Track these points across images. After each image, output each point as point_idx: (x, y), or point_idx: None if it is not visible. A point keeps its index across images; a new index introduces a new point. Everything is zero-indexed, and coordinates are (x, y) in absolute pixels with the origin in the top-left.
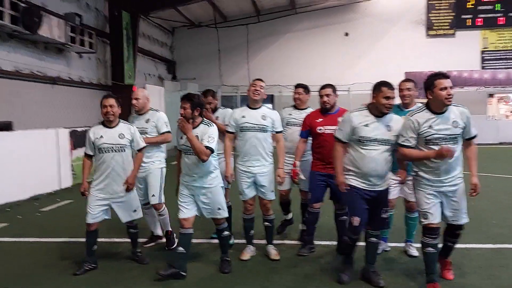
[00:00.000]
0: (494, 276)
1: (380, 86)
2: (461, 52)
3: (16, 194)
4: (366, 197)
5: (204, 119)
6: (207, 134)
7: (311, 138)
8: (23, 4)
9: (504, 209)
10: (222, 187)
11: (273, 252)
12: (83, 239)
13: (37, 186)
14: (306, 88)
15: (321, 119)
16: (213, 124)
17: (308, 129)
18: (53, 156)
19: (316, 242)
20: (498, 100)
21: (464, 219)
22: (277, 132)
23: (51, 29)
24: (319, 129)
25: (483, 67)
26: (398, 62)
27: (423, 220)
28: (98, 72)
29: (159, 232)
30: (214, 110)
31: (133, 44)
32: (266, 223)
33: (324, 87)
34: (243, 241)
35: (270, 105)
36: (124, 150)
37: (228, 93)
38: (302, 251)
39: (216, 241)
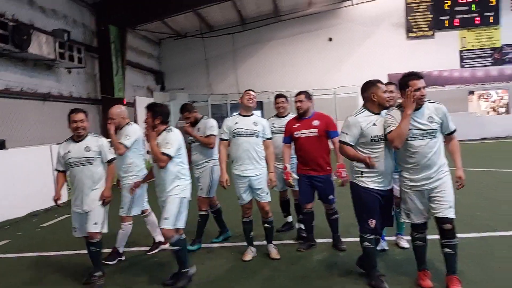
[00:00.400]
0: (483, 265)
1: (375, 83)
2: (441, 52)
3: (13, 211)
4: (379, 197)
5: (170, 127)
6: (165, 140)
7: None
8: (11, 23)
9: (488, 201)
10: (183, 198)
11: (273, 251)
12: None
13: (34, 202)
14: (286, 97)
15: (297, 125)
16: (174, 130)
17: (289, 135)
18: (48, 172)
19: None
20: (478, 97)
21: (448, 212)
22: (267, 139)
23: (40, 46)
24: (296, 134)
25: (462, 66)
26: (381, 64)
27: (405, 218)
28: (88, 87)
29: (161, 238)
30: (195, 122)
31: (121, 57)
32: (266, 225)
33: (297, 94)
34: (245, 243)
35: (259, 112)
36: (92, 163)
37: (218, 101)
38: (301, 247)
39: (216, 244)
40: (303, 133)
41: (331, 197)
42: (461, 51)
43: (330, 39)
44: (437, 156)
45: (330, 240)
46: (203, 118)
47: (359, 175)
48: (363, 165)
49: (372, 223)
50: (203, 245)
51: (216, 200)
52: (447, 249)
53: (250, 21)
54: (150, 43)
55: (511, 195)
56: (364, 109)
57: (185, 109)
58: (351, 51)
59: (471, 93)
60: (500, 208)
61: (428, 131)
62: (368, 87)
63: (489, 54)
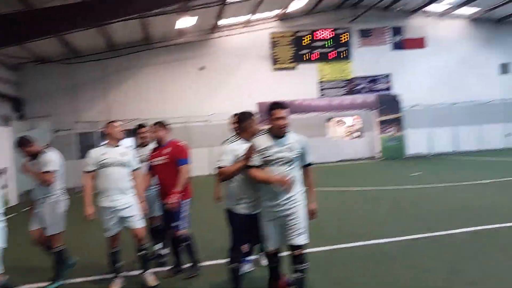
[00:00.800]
0: (328, 272)
1: (251, 116)
2: (302, 83)
3: None
4: (250, 222)
5: None
6: None
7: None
8: None
9: (338, 217)
10: None
11: (150, 278)
12: None
13: None
14: (147, 126)
15: (154, 153)
16: None
17: (148, 164)
18: None
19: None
20: (335, 123)
21: (299, 239)
22: (134, 169)
23: None
24: (152, 162)
25: (321, 95)
26: (251, 93)
27: (263, 242)
28: None
29: None
30: (35, 156)
31: None
32: (141, 252)
33: (154, 124)
34: (110, 275)
35: (130, 139)
36: None
37: (86, 130)
38: (168, 273)
39: (79, 279)
40: (157, 161)
41: (175, 224)
42: (319, 82)
43: (203, 68)
44: (294, 183)
45: (209, 263)
46: (44, 152)
47: (236, 202)
48: (239, 192)
49: (245, 247)
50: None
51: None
52: (298, 274)
53: (121, 47)
54: (7, 68)
55: (357, 210)
56: (238, 138)
57: (21, 143)
58: (223, 80)
59: (329, 120)
60: (346, 222)
61: (287, 159)
62: (245, 118)
63: (343, 85)
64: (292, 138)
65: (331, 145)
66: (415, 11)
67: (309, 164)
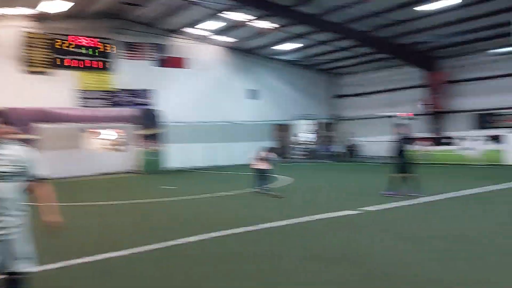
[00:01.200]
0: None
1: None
2: (58, 90)
3: None
4: None
5: None
6: None
7: None
8: None
9: (78, 232)
10: None
11: None
12: None
13: None
14: None
15: None
16: None
17: None
18: None
19: None
20: (92, 135)
21: (18, 266)
22: None
23: None
24: None
25: (77, 105)
26: None
27: None
28: None
29: None
30: None
31: None
32: None
33: None
34: None
35: None
36: None
37: None
38: None
39: None
40: None
41: None
42: (76, 91)
43: None
44: (10, 203)
45: None
46: None
47: None
48: None
49: None
50: None
51: None
52: None
53: None
54: None
55: (100, 224)
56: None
57: None
58: None
59: (85, 130)
60: (86, 237)
61: (2, 173)
62: None
63: (105, 96)
64: (12, 150)
65: (87, 158)
66: (177, 31)
67: (40, 179)
